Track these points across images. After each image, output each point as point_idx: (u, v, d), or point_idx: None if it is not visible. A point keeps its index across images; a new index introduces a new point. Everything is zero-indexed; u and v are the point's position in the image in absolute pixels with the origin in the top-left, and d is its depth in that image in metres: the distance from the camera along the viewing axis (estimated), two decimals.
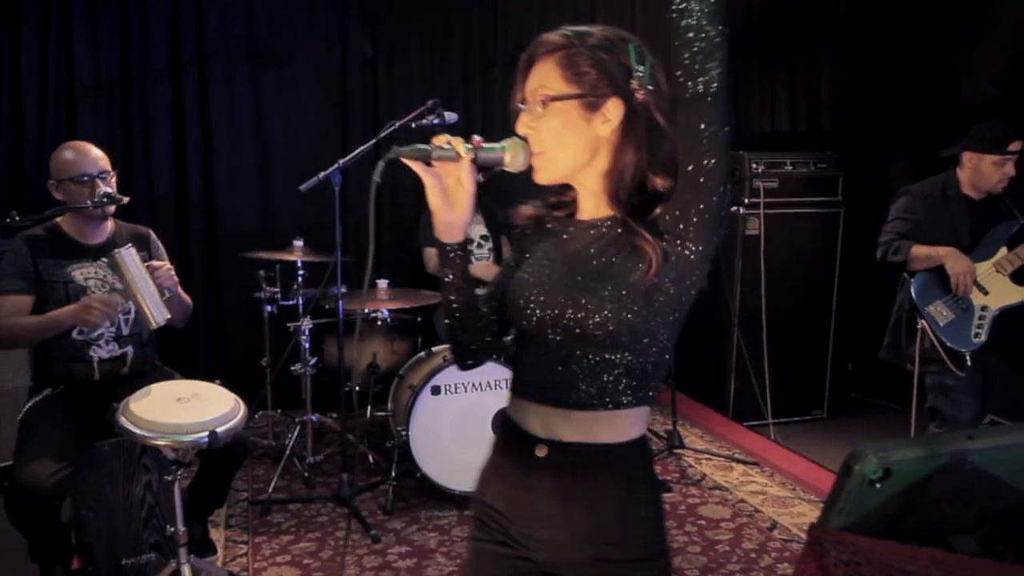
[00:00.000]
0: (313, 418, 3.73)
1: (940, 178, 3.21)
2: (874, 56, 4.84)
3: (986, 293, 3.06)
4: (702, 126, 1.11)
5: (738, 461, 3.85)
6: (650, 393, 1.26)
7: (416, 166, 1.26)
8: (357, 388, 3.71)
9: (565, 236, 1.32)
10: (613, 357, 1.21)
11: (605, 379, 1.22)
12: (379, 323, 3.69)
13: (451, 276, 1.33)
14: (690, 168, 1.13)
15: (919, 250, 3.08)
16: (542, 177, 1.28)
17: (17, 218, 2.36)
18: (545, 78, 1.24)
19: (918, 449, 0.88)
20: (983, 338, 3.03)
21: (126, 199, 2.59)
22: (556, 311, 1.22)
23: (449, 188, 1.28)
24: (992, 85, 4.13)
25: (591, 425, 1.23)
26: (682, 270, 1.17)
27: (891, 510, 0.87)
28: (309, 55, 4.35)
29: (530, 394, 1.29)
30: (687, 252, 1.16)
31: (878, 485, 0.84)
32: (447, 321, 1.39)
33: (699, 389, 4.70)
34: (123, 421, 2.29)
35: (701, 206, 1.13)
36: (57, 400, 2.62)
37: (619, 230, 1.24)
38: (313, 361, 3.70)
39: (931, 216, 3.15)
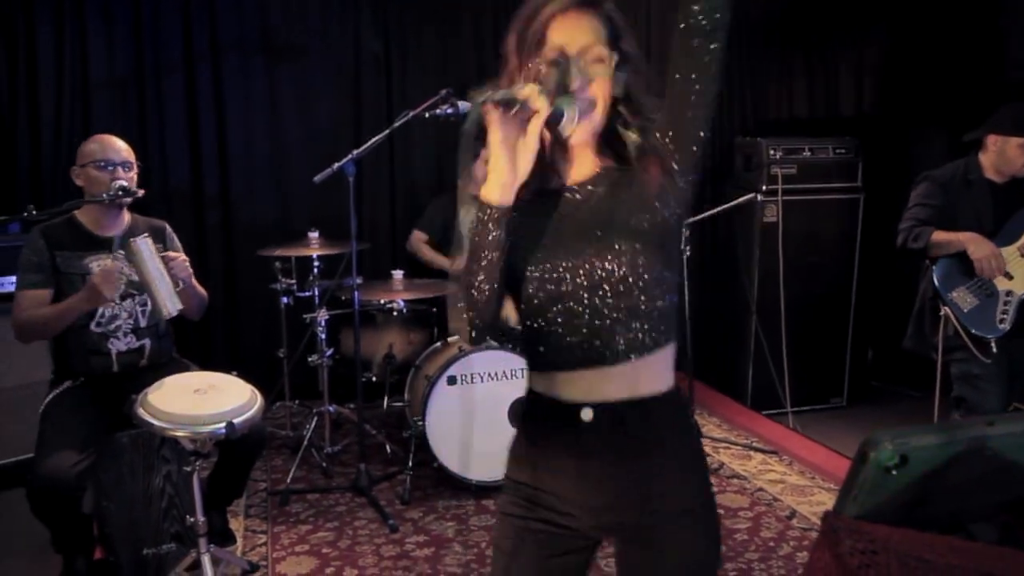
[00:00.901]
0: (330, 409, 3.74)
1: (961, 163, 3.15)
2: (894, 40, 4.76)
3: (1010, 278, 3.01)
4: (712, 46, 1.19)
5: (756, 450, 3.82)
6: (673, 332, 1.29)
7: (495, 116, 1.19)
8: (374, 379, 3.72)
9: (561, 202, 1.32)
10: (639, 304, 1.22)
11: (635, 326, 1.22)
12: (395, 314, 3.70)
13: (492, 241, 1.23)
14: (696, 86, 1.21)
15: (940, 236, 3.03)
16: (582, 136, 1.26)
17: (35, 212, 2.39)
18: (596, 33, 1.25)
19: (935, 436, 0.86)
20: (1008, 324, 2.98)
21: (141, 192, 2.61)
22: (582, 272, 1.23)
23: (517, 145, 1.21)
24: (1016, 68, 4.05)
25: (632, 378, 1.24)
26: (676, 200, 1.25)
27: (908, 498, 0.85)
28: (322, 47, 4.35)
29: (559, 364, 1.27)
30: (678, 178, 1.23)
31: (894, 472, 0.83)
32: (473, 292, 1.26)
33: (717, 378, 4.67)
34: (141, 413, 2.32)
35: (694, 120, 1.22)
36: (77, 392, 2.64)
37: (614, 178, 1.29)
38: (330, 352, 3.71)
39: (952, 201, 3.10)
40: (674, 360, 1.29)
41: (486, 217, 1.22)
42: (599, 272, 1.21)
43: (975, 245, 2.97)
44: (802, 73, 4.94)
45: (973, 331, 2.98)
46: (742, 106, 4.93)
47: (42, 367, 2.95)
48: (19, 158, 3.92)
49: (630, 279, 1.20)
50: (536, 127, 1.19)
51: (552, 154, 1.31)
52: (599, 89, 1.25)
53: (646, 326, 1.23)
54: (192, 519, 2.49)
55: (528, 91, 1.17)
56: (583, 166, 1.33)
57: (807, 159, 4.46)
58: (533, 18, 1.26)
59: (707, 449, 3.82)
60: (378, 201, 4.54)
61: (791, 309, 4.39)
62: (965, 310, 3.02)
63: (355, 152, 3.11)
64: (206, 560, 2.50)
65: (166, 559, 2.69)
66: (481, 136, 1.20)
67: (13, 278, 3.02)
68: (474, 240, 1.24)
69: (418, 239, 4.11)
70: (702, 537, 1.29)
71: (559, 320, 1.25)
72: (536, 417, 1.34)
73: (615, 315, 1.22)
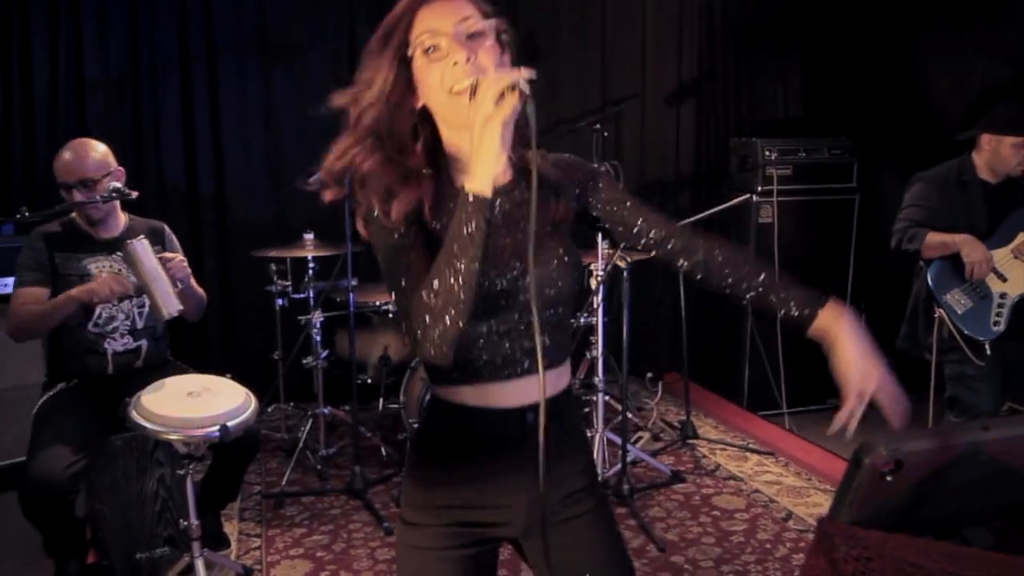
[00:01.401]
0: (325, 411, 3.73)
1: (955, 163, 3.15)
2: (889, 39, 4.76)
3: (1005, 280, 3.01)
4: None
5: (752, 451, 3.82)
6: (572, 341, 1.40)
7: (507, 97, 1.07)
8: (369, 381, 3.71)
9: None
10: (565, 312, 1.30)
11: (562, 336, 1.30)
12: (390, 315, 3.69)
13: (477, 236, 1.09)
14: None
15: (934, 237, 3.03)
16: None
17: (27, 213, 2.38)
18: (469, 11, 1.19)
19: (930, 440, 0.86)
20: (1002, 326, 2.98)
21: (135, 194, 2.59)
22: (523, 284, 1.22)
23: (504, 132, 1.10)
24: (1009, 66, 4.05)
25: (557, 378, 1.30)
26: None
27: (903, 503, 0.85)
28: (318, 48, 4.34)
29: (499, 374, 1.24)
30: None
31: (889, 478, 0.82)
32: (456, 300, 1.12)
33: (713, 379, 4.67)
34: (135, 416, 2.30)
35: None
36: (71, 394, 2.63)
37: (526, 188, 1.21)
38: (325, 354, 3.70)
39: (946, 202, 3.10)
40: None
41: (471, 209, 1.09)
42: (545, 285, 1.24)
43: (968, 247, 2.96)
44: (797, 74, 4.94)
45: (967, 333, 2.98)
46: (737, 107, 4.93)
47: (35, 369, 2.94)
48: (13, 159, 3.90)
49: (565, 292, 1.27)
50: (511, 113, 1.09)
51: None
52: (489, 62, 1.13)
53: (567, 335, 1.32)
54: (186, 523, 2.47)
55: (523, 73, 1.09)
56: (503, 174, 1.26)
57: (802, 160, 4.47)
58: (399, 13, 1.20)
59: (703, 450, 3.82)
60: None
61: None
62: (959, 312, 3.02)
63: None
64: (200, 564, 2.48)
65: (159, 563, 2.67)
66: None
67: (7, 280, 3.02)
68: (460, 238, 1.10)
69: None
70: (606, 506, 1.39)
71: (501, 331, 1.22)
72: (469, 431, 1.27)
73: (553, 324, 1.27)
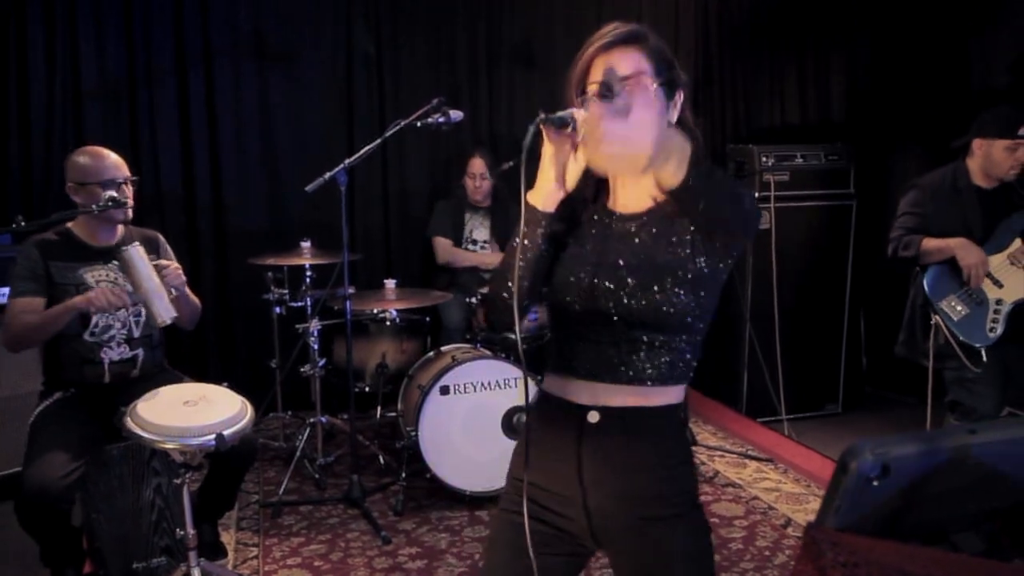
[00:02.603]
0: (323, 419, 3.72)
1: (950, 168, 3.15)
2: (886, 45, 4.78)
3: (1000, 286, 3.01)
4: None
5: (751, 458, 3.81)
6: (690, 373, 1.39)
7: (548, 134, 1.29)
8: (367, 389, 3.71)
9: (614, 227, 1.39)
10: (661, 340, 1.32)
11: (651, 357, 1.33)
12: (388, 323, 3.69)
13: (530, 241, 1.34)
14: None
15: (930, 243, 3.03)
16: (624, 164, 1.23)
17: (23, 223, 2.38)
18: (639, 64, 1.31)
19: (917, 445, 0.85)
20: (999, 332, 2.98)
21: (131, 203, 2.60)
22: (616, 299, 1.31)
23: (567, 163, 1.31)
24: (1007, 72, 4.06)
25: (642, 394, 1.34)
26: (708, 254, 1.33)
27: (891, 508, 0.84)
28: (315, 54, 4.35)
29: (577, 370, 1.36)
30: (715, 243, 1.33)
31: (876, 483, 0.82)
32: (510, 284, 1.33)
33: (712, 385, 4.66)
34: (130, 425, 2.30)
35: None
36: (67, 403, 2.63)
37: (665, 212, 1.35)
38: (322, 362, 3.69)
39: (941, 208, 3.10)
40: (686, 388, 1.41)
41: (529, 218, 1.33)
42: (633, 305, 1.30)
43: (964, 251, 2.97)
44: (794, 79, 4.95)
45: (963, 339, 2.98)
46: (734, 113, 4.94)
47: (32, 378, 2.94)
48: (10, 167, 3.90)
49: (660, 318, 1.30)
50: (553, 148, 1.30)
51: (600, 179, 1.40)
52: (643, 115, 1.20)
53: (665, 359, 1.34)
54: (182, 532, 2.46)
55: (578, 114, 1.26)
56: (638, 196, 1.40)
57: (799, 166, 4.47)
58: (581, 57, 1.35)
59: (702, 457, 3.81)
60: (371, 210, 4.53)
61: (785, 316, 4.39)
62: (955, 319, 3.02)
63: (347, 161, 3.10)
64: (196, 574, 2.47)
65: (156, 573, 2.67)
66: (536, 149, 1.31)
67: (3, 290, 3.02)
68: (518, 238, 1.34)
69: (445, 245, 4.13)
70: (692, 539, 1.37)
71: (586, 332, 1.35)
72: (543, 416, 1.41)
73: (637, 344, 1.32)
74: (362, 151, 3.14)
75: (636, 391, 1.34)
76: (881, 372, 4.79)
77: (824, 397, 4.62)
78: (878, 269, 4.41)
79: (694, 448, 3.87)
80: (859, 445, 0.82)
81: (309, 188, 3.04)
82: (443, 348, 3.56)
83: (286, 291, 3.76)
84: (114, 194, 2.52)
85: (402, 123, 3.15)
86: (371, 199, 4.53)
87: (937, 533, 0.89)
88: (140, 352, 2.71)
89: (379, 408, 3.83)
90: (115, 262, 2.61)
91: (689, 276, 1.30)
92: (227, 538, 3.03)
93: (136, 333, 2.70)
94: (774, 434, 4.14)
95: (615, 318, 1.32)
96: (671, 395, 1.37)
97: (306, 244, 3.69)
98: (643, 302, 1.30)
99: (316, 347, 3.65)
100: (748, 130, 4.92)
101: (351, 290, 3.31)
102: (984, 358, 2.96)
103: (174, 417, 2.33)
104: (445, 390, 3.24)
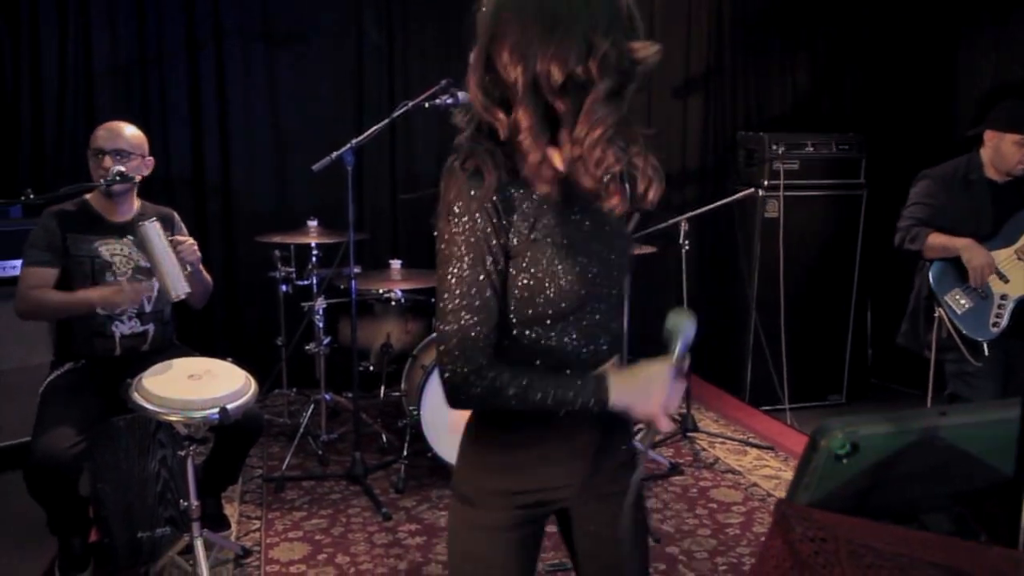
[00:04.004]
0: (327, 397, 3.76)
1: (963, 160, 3.12)
2: (899, 35, 4.73)
3: (1006, 281, 2.99)
4: None
5: (752, 445, 3.83)
6: None
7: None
8: (371, 368, 3.74)
9: (590, 216, 1.30)
10: (621, 315, 1.32)
11: (618, 329, 1.33)
12: (393, 303, 3.71)
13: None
14: None
15: (936, 239, 3.01)
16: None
17: (32, 196, 2.41)
18: None
19: (887, 425, 0.86)
20: (1003, 326, 2.97)
21: (138, 178, 2.63)
22: (602, 286, 1.26)
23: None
24: (1021, 64, 4.02)
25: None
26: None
27: (859, 486, 0.86)
28: (324, 35, 4.35)
29: (568, 363, 1.27)
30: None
31: (845, 460, 0.83)
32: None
33: (715, 373, 4.67)
34: (136, 397, 2.34)
35: None
36: (77, 375, 2.67)
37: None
38: (327, 341, 3.73)
39: (952, 200, 3.08)
40: None
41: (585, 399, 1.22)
42: (614, 290, 1.29)
43: (969, 252, 2.94)
44: (806, 68, 4.92)
45: (966, 333, 2.97)
46: (745, 100, 4.91)
47: (43, 350, 2.98)
48: (22, 144, 3.94)
49: (623, 297, 1.32)
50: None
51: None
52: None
53: (621, 331, 1.35)
54: (186, 503, 2.51)
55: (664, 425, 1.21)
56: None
57: (810, 155, 4.45)
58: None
59: (703, 443, 3.83)
60: (378, 190, 4.55)
61: (791, 305, 4.38)
62: (959, 312, 3.00)
63: (354, 141, 3.12)
64: (199, 544, 2.52)
65: (160, 542, 2.71)
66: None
67: (15, 262, 3.06)
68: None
69: None
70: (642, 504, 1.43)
71: (570, 331, 1.26)
72: (534, 416, 1.27)
73: (614, 325, 1.31)
74: (369, 131, 3.16)
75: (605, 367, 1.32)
76: (887, 364, 4.78)
77: (828, 387, 4.62)
78: (887, 261, 4.40)
79: (695, 434, 3.90)
80: (829, 423, 0.84)
81: (316, 167, 3.06)
82: None
83: (292, 269, 3.79)
84: (122, 169, 2.55)
85: (410, 104, 3.16)
86: (379, 180, 4.54)
87: (907, 514, 0.90)
88: (151, 327, 2.75)
89: (383, 387, 3.86)
90: (131, 236, 2.65)
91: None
92: (231, 511, 3.08)
93: (147, 308, 2.73)
94: (776, 423, 4.15)
95: (600, 305, 1.30)
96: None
97: (313, 223, 3.71)
98: (619, 286, 1.35)
99: (321, 325, 3.68)
100: (759, 118, 4.89)
101: (357, 269, 3.33)
102: (986, 352, 2.96)
103: (179, 390, 2.37)
104: None
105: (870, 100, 4.89)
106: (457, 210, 1.14)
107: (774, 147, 4.39)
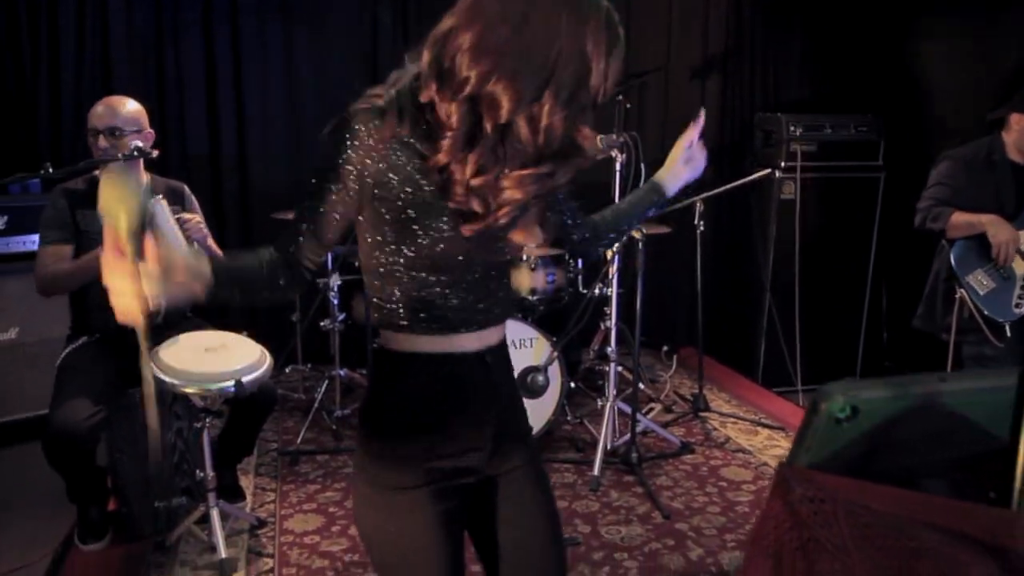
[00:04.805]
0: (341, 373, 3.80)
1: (985, 141, 3.09)
2: (920, 16, 4.66)
3: None
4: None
5: (764, 425, 3.83)
6: None
7: None
8: None
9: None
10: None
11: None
12: None
13: None
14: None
15: (959, 217, 2.99)
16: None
17: (51, 170, 2.44)
18: None
19: (887, 389, 0.87)
20: None
21: (155, 152, 2.65)
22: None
23: None
24: None
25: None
26: None
27: (859, 450, 0.87)
28: (340, 12, 4.34)
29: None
30: None
31: (845, 424, 0.84)
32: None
33: (729, 354, 4.67)
34: (153, 369, 2.37)
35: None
36: (93, 347, 2.71)
37: None
38: (342, 317, 3.76)
39: (974, 182, 3.05)
40: None
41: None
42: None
43: (995, 228, 2.92)
44: (825, 49, 4.86)
45: (987, 314, 2.95)
46: (764, 82, 4.87)
47: (61, 323, 3.02)
48: (40, 119, 3.97)
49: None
50: None
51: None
52: None
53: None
54: (202, 474, 2.55)
55: None
56: None
57: (828, 136, 4.41)
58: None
59: (714, 423, 3.84)
60: None
61: (806, 287, 4.36)
62: (981, 293, 2.98)
63: None
64: (215, 514, 2.57)
65: (177, 512, 2.76)
66: None
67: (34, 236, 3.10)
68: None
69: None
70: (538, 460, 1.46)
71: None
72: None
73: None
74: None
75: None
76: (902, 347, 4.75)
77: (842, 370, 4.59)
78: (903, 244, 4.37)
79: (707, 414, 3.91)
80: (830, 387, 0.84)
81: (326, 131, 3.05)
82: None
83: None
84: (139, 143, 2.57)
85: None
86: None
87: (906, 478, 0.91)
88: (164, 300, 2.77)
89: None
90: None
91: None
92: (246, 483, 3.13)
93: None
94: (788, 404, 4.14)
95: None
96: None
97: None
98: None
99: (336, 302, 3.71)
100: (777, 100, 4.85)
101: None
102: (1008, 333, 2.94)
103: (195, 363, 2.40)
104: None
105: (889, 82, 4.82)
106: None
107: (792, 128, 4.36)
